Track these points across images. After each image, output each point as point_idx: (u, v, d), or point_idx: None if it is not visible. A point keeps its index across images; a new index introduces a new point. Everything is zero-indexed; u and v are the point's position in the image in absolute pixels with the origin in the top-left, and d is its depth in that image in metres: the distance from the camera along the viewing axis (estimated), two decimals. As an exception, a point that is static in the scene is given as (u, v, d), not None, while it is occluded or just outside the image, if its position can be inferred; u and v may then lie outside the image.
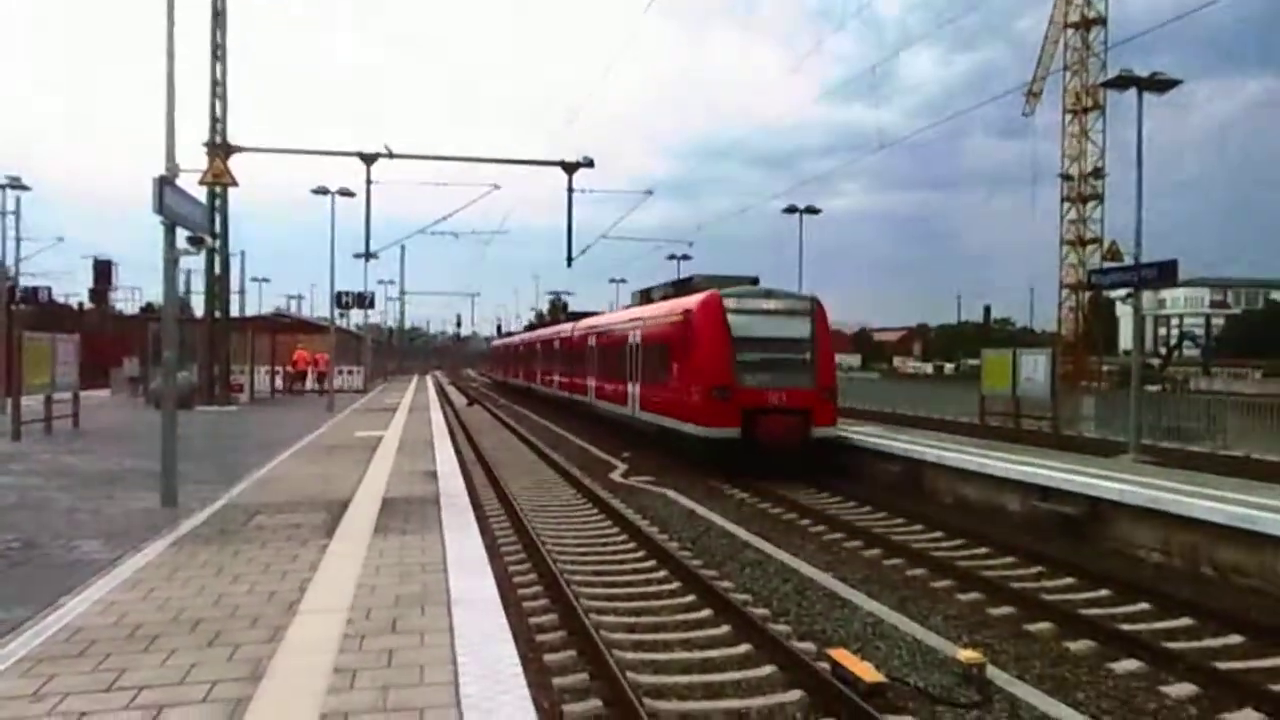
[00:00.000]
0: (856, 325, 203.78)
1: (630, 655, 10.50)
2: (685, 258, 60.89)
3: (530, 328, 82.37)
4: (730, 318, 25.57)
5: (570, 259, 36.93)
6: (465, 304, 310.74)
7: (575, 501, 19.88)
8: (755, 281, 28.54)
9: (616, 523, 17.21)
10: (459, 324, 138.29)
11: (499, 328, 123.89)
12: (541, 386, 50.74)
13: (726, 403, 24.56)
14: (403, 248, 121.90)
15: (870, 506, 19.67)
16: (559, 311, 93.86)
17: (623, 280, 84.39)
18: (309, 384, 48.74)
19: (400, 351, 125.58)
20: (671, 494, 20.55)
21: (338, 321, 41.35)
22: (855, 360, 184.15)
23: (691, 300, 27.25)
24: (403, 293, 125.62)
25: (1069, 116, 65.14)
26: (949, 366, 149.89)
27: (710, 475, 23.60)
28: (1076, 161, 65.24)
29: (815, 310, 26.10)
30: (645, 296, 34.79)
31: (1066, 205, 66.21)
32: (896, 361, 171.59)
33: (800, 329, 25.78)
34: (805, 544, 16.20)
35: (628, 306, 37.85)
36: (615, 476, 23.38)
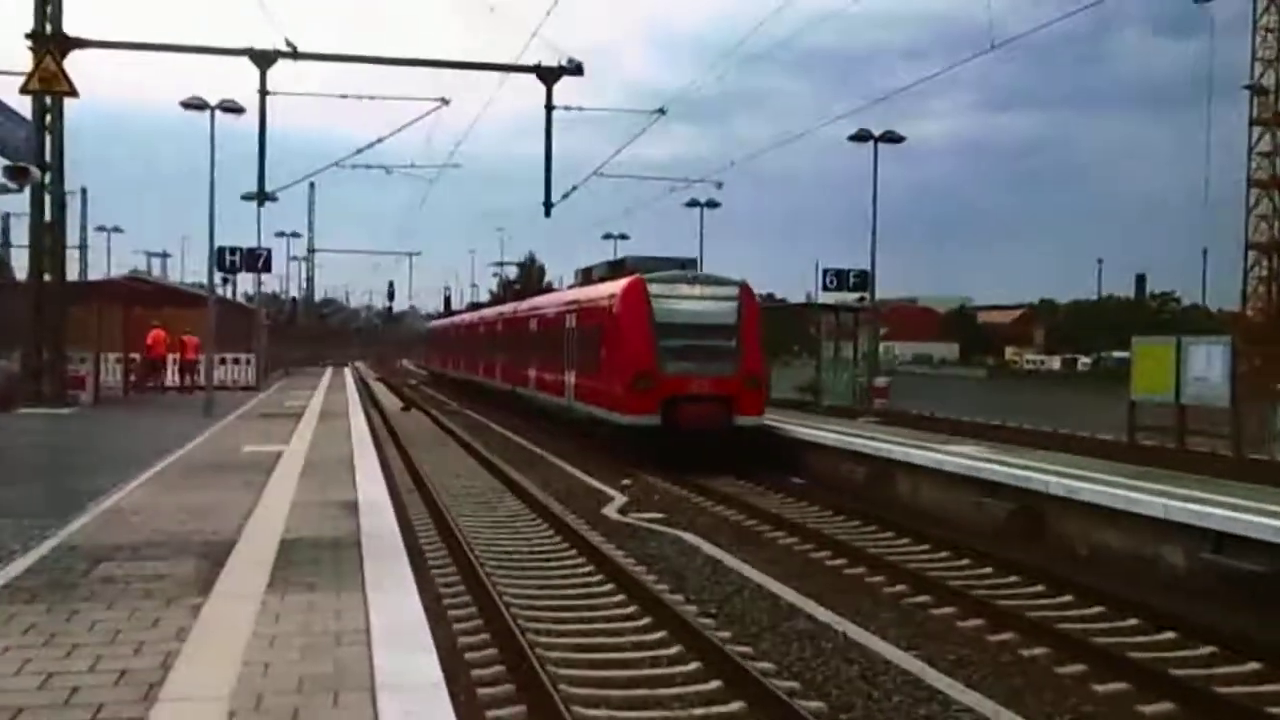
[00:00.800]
0: (952, 301, 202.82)
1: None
2: (708, 201, 60.81)
3: (474, 307, 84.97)
4: (654, 303, 33.30)
5: (549, 205, 36.98)
6: (400, 268, 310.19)
7: (553, 547, 19.94)
8: (692, 265, 37.89)
9: (610, 577, 17.26)
10: (391, 295, 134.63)
11: (447, 302, 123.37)
12: (483, 378, 59.95)
13: (648, 390, 32.41)
14: (312, 186, 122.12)
15: (969, 558, 19.72)
16: (533, 279, 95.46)
17: (622, 236, 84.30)
18: (170, 377, 48.88)
19: (309, 334, 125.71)
20: (689, 538, 20.63)
21: (219, 290, 41.44)
22: (950, 351, 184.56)
23: (616, 285, 35.13)
24: (312, 250, 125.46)
25: (1264, 2, 64.74)
26: (1084, 360, 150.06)
27: (742, 514, 24.05)
28: (1273, 68, 64.72)
29: (742, 295, 34.01)
30: (586, 276, 43.25)
31: (1257, 131, 65.75)
32: (1010, 353, 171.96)
33: (725, 315, 33.47)
34: (877, 609, 16.24)
35: (572, 286, 46.28)
36: (610, 512, 23.77)
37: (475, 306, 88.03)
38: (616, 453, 33.30)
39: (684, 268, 36.66)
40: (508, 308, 59.28)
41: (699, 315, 33.54)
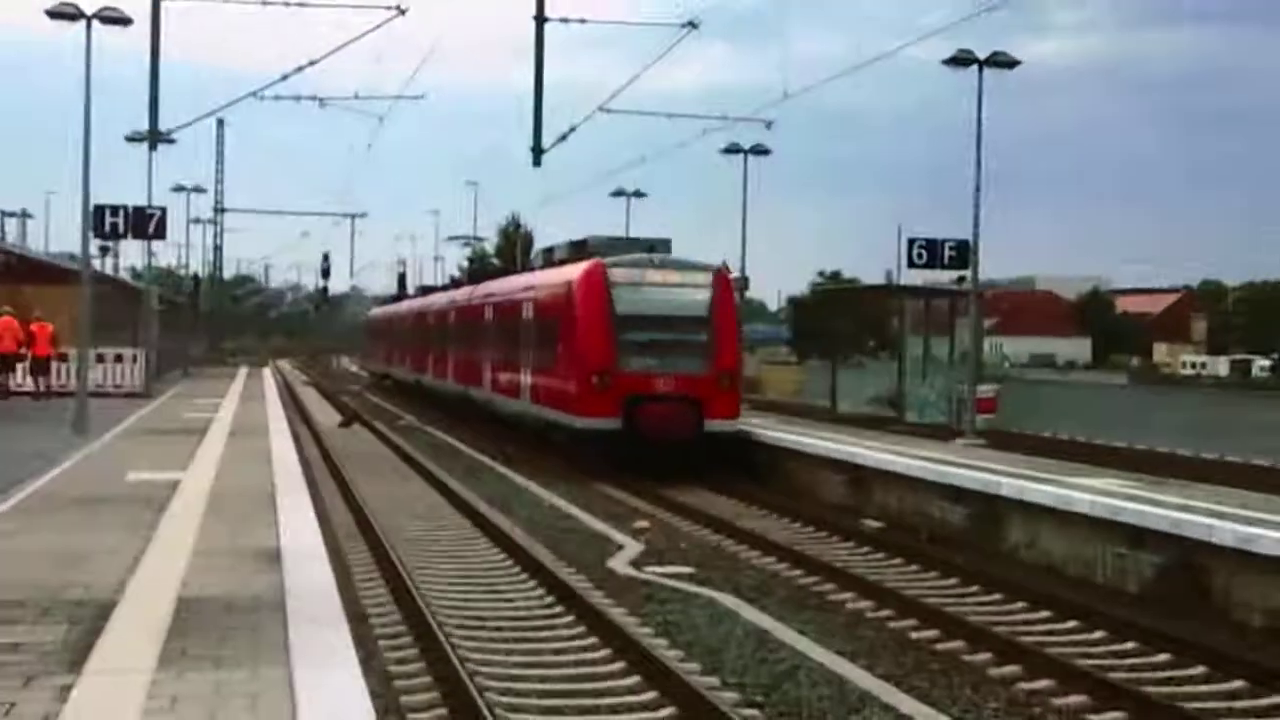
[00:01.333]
0: (1082, 283, 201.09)
1: None
2: (754, 147, 60.68)
3: (424, 291, 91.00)
4: (614, 291, 38.21)
5: (539, 151, 36.90)
6: (339, 236, 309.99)
7: (543, 612, 19.88)
8: (665, 247, 41.75)
9: (620, 652, 17.20)
10: (326, 273, 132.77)
11: (401, 281, 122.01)
12: (433, 380, 67.13)
13: (606, 389, 37.22)
14: (220, 124, 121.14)
15: (1103, 629, 19.65)
16: (520, 253, 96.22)
17: (637, 194, 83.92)
18: (19, 379, 48.74)
19: (217, 323, 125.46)
20: (726, 599, 20.62)
21: (96, 262, 41.46)
22: (1080, 349, 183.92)
23: (573, 270, 40.36)
24: (220, 210, 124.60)
25: None
26: (1261, 363, 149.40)
27: (796, 567, 24.17)
28: None
29: (717, 283, 39.07)
30: (548, 257, 48.83)
31: None
32: (1161, 353, 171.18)
33: (696, 305, 38.47)
34: (981, 699, 16.17)
35: (534, 268, 52.09)
36: (617, 565, 23.82)
37: (426, 290, 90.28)
38: (576, 462, 38.26)
39: (653, 250, 41.22)
40: (461, 293, 65.41)
41: (667, 305, 38.52)
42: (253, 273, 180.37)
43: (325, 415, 58.59)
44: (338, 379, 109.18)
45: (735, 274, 45.50)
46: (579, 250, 43.65)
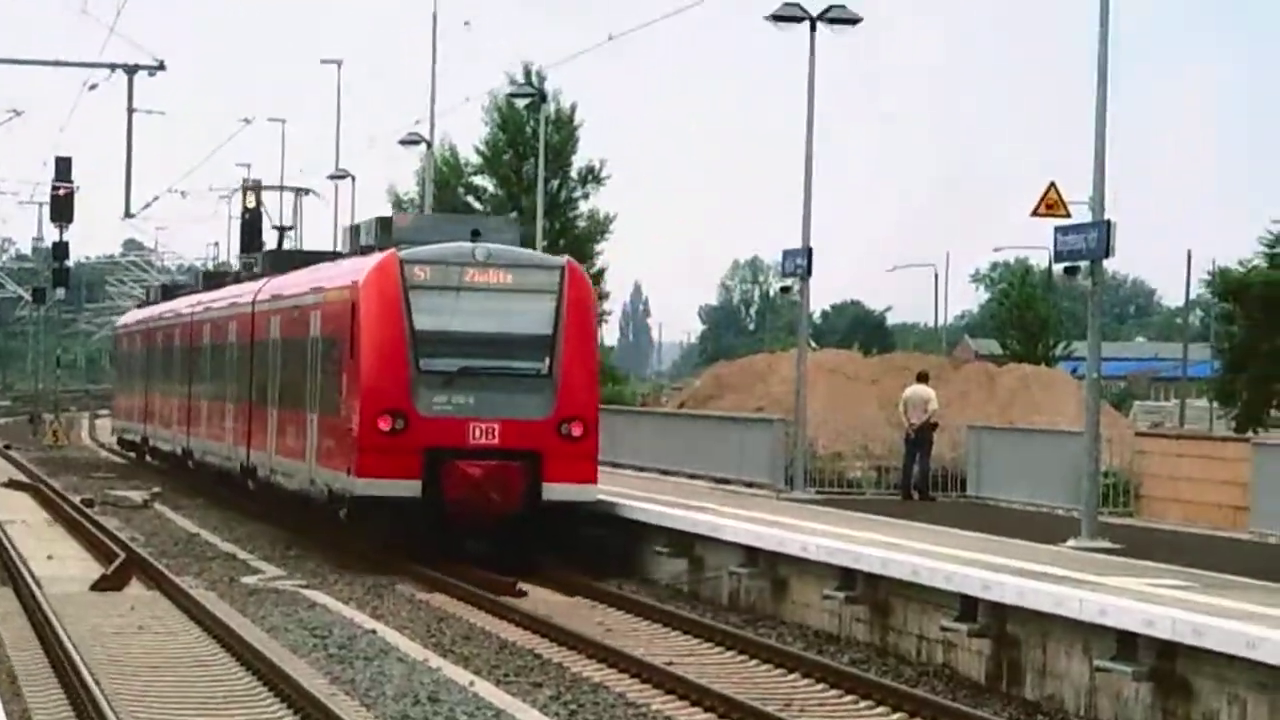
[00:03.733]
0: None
1: None
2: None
3: (209, 280, 61.22)
4: (414, 298, 29.26)
5: None
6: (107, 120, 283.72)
7: None
8: (504, 231, 33.58)
9: None
10: (61, 208, 67.62)
11: (249, 239, 68.36)
12: (205, 442, 47.73)
13: (399, 439, 28.78)
14: None
15: None
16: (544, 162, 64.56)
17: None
18: None
19: None
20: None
21: None
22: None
23: (359, 266, 31.43)
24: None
25: None
26: None
27: None
28: None
29: (565, 283, 30.05)
30: (353, 240, 36.61)
31: None
32: None
33: (534, 317, 29.80)
34: None
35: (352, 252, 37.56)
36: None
37: (211, 280, 61.24)
38: (368, 545, 31.29)
39: (476, 235, 31.11)
40: (244, 289, 46.38)
41: (490, 317, 29.84)
42: None
43: (58, 553, 34.97)
44: (77, 467, 64.79)
45: (1098, 214, 27.98)
46: (382, 234, 33.35)
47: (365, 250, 33.65)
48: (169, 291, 70.26)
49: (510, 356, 29.69)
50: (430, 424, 28.80)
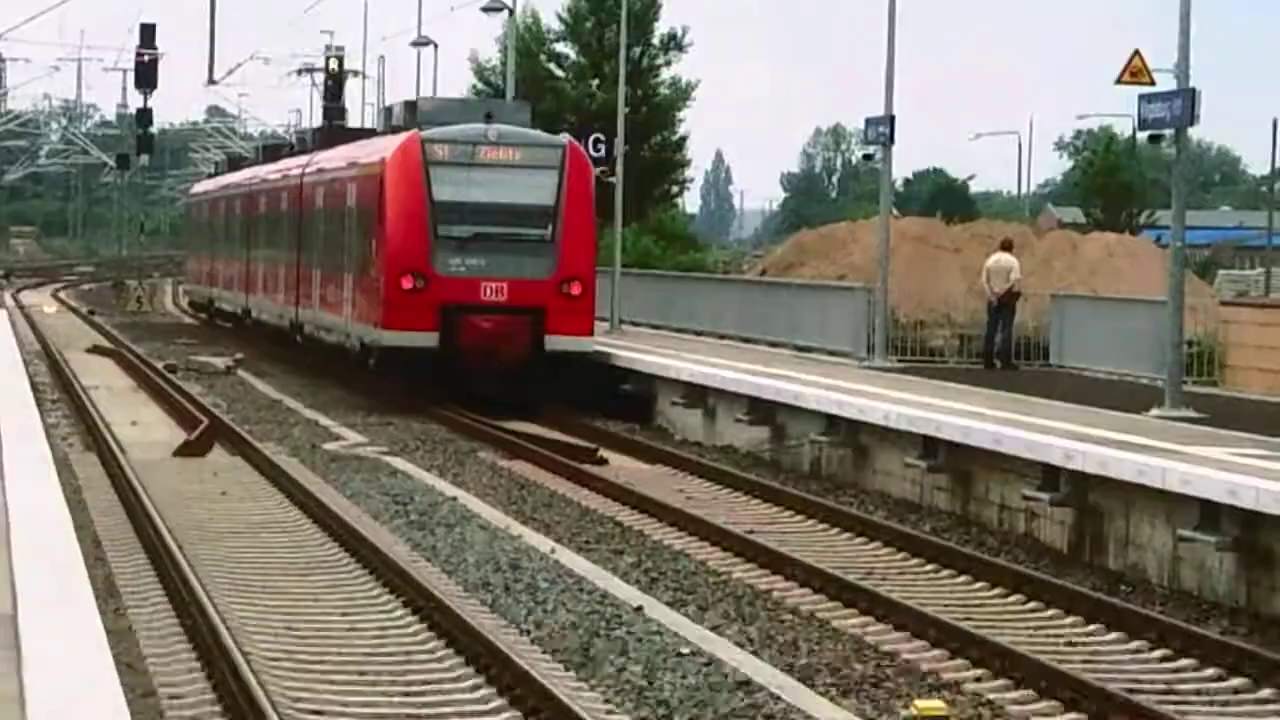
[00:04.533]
0: None
1: None
2: None
3: (268, 152, 63.09)
4: (433, 171, 32.91)
5: None
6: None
7: None
8: (518, 112, 37.50)
9: None
10: (146, 73, 73.06)
11: (334, 110, 67.71)
12: (262, 301, 51.88)
13: (419, 296, 32.52)
14: None
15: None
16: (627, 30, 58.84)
17: None
18: None
19: None
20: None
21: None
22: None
23: (385, 145, 35.69)
24: None
25: None
26: None
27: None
28: None
29: (566, 160, 33.57)
30: (387, 119, 42.78)
31: None
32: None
33: (538, 189, 33.33)
34: None
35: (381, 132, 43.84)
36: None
37: (269, 153, 61.71)
38: (389, 392, 34.83)
39: (489, 118, 34.94)
40: (291, 165, 49.83)
41: (500, 190, 33.39)
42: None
43: (141, 419, 34.93)
44: (160, 333, 64.22)
45: (1183, 82, 27.09)
46: (409, 115, 37.55)
47: (395, 130, 37.74)
48: (234, 164, 72.63)
49: (517, 224, 33.39)
50: (447, 283, 32.66)
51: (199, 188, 79.34)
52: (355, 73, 65.04)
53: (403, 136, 34.29)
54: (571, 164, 33.63)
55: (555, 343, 32.69)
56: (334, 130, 55.45)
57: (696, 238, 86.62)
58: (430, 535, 21.34)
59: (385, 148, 35.12)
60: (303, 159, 48.97)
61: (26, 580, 12.64)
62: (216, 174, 78.16)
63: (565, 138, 35.52)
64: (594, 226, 35.35)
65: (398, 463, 28.48)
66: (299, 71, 77.89)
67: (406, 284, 32.52)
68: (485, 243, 32.94)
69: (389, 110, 43.04)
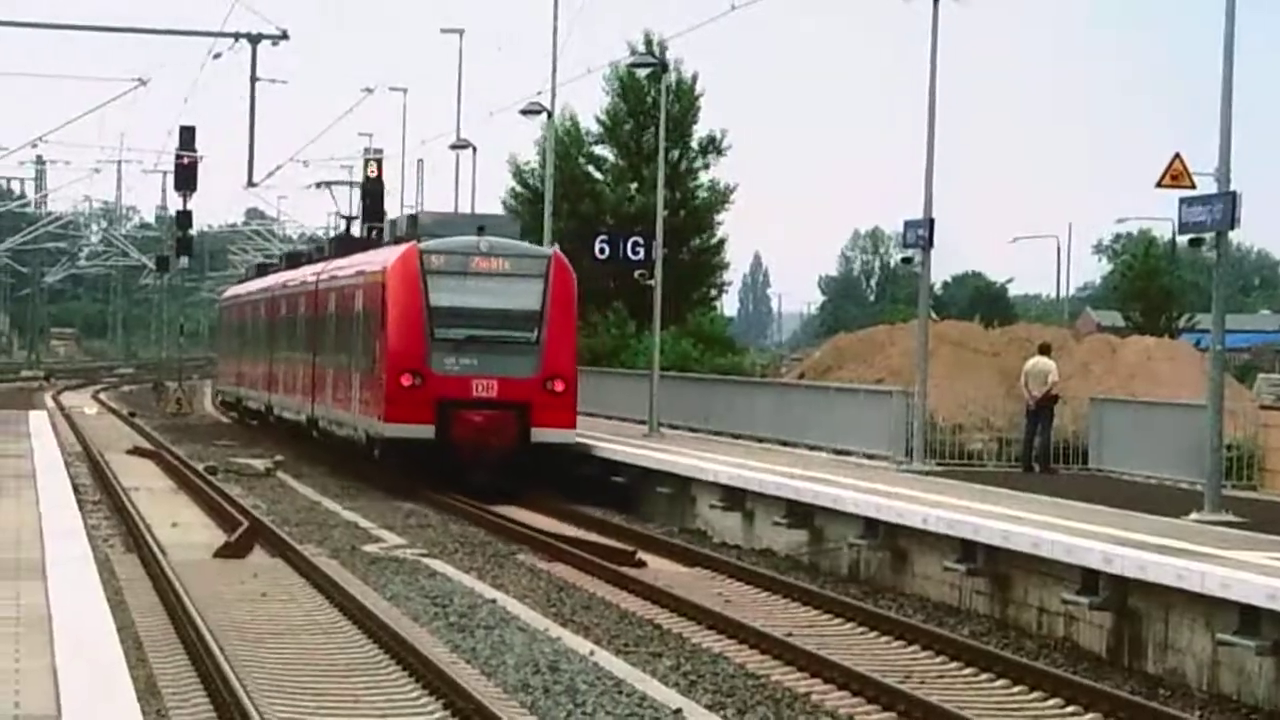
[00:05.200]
0: None
1: None
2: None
3: (290, 260, 66.89)
4: (430, 280, 36.76)
5: None
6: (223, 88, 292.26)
7: None
8: (505, 225, 41.74)
9: None
10: (186, 177, 61.08)
11: (370, 208, 64.56)
12: (280, 396, 56.09)
13: (417, 392, 35.96)
14: None
15: None
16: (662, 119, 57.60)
17: None
18: None
19: None
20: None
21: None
22: None
23: (387, 255, 39.51)
24: None
25: None
26: None
27: None
28: None
29: (552, 271, 37.45)
30: (392, 232, 46.53)
31: None
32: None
33: (525, 297, 37.08)
34: None
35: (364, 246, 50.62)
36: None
37: (291, 260, 65.58)
38: (391, 482, 37.91)
39: (481, 230, 38.79)
40: (307, 272, 54.98)
41: (491, 296, 37.20)
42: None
43: (182, 520, 34.88)
44: (200, 435, 63.88)
45: (1223, 185, 27.09)
46: (410, 227, 42.14)
47: (398, 240, 41.63)
48: (261, 270, 78.46)
49: (506, 327, 37.15)
50: (442, 380, 36.34)
51: (229, 292, 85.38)
52: (368, 180, 65.41)
53: (403, 247, 38.16)
54: (556, 273, 37.55)
55: (540, 434, 36.15)
56: (348, 239, 60.00)
57: (735, 341, 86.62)
58: (470, 637, 21.39)
59: (387, 258, 38.80)
60: (320, 266, 53.56)
61: (69, 680, 12.81)
62: (246, 279, 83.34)
63: (552, 249, 40.06)
64: (575, 329, 38.60)
65: (436, 564, 28.68)
66: (317, 185, 79.30)
67: (406, 381, 36.00)
68: (477, 344, 36.63)
69: (393, 222, 47.86)
